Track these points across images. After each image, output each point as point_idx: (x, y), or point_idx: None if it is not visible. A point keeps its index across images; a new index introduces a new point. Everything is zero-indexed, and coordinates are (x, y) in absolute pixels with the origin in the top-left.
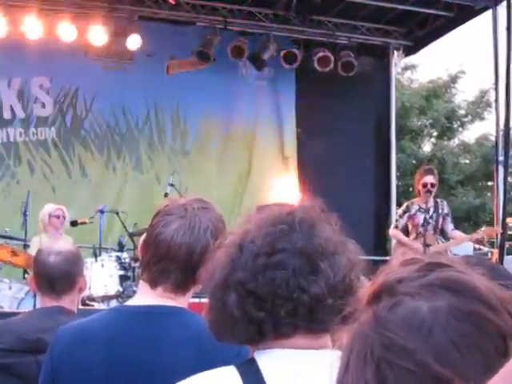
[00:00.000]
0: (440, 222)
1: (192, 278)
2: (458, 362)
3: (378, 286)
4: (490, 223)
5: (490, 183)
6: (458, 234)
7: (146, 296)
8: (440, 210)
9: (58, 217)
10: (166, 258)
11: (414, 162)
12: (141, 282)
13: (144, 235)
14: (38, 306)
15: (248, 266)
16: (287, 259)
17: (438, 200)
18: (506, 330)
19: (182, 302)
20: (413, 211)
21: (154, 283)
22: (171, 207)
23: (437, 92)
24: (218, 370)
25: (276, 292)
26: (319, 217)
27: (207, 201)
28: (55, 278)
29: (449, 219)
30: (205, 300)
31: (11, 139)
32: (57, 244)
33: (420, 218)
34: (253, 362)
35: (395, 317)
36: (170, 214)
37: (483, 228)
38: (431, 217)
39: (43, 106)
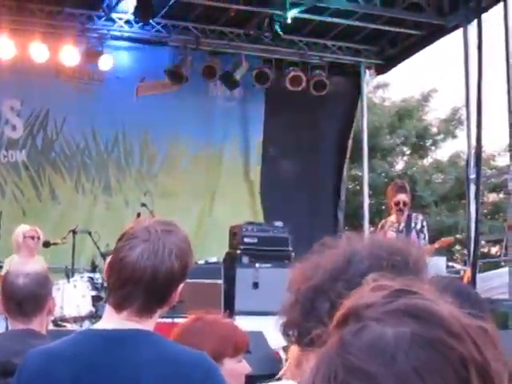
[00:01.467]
0: (412, 237)
1: (157, 301)
2: None
3: (345, 310)
4: (463, 242)
5: (463, 201)
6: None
7: (111, 319)
8: (413, 224)
9: (33, 237)
10: (130, 282)
11: (385, 180)
12: (107, 305)
13: (108, 258)
14: (10, 327)
15: (353, 281)
16: None
17: (413, 215)
18: (468, 358)
19: (148, 324)
20: (386, 227)
21: (118, 307)
22: (135, 230)
23: (409, 111)
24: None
25: None
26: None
27: (172, 223)
28: (23, 299)
29: (422, 235)
30: (177, 320)
31: None
32: (25, 266)
33: (390, 234)
34: None
35: (359, 341)
36: (134, 237)
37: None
38: (401, 231)
39: (14, 128)
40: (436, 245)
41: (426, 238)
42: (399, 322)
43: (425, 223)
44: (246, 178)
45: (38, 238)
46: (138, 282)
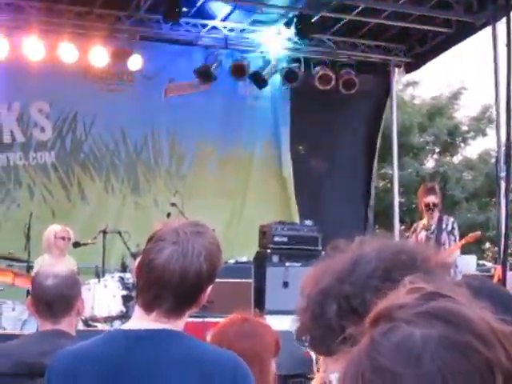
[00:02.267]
0: (443, 239)
1: (186, 302)
2: None
3: (378, 311)
4: (494, 240)
5: (494, 199)
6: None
7: (140, 320)
8: (444, 226)
9: (64, 238)
10: (158, 285)
11: (417, 178)
12: (136, 306)
13: (138, 259)
14: (39, 328)
15: (358, 283)
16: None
17: (444, 217)
18: (496, 363)
19: (177, 324)
20: (418, 230)
21: (148, 308)
22: (164, 232)
23: (439, 109)
24: None
25: None
26: (439, 262)
27: (201, 224)
28: (53, 301)
29: (452, 237)
30: (208, 319)
31: (11, 163)
32: (55, 267)
33: (421, 235)
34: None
35: (388, 341)
36: (162, 239)
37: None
38: (432, 232)
39: (42, 130)
40: (462, 241)
41: (457, 239)
42: (428, 323)
43: (455, 225)
44: (279, 176)
45: (69, 239)
46: (166, 285)
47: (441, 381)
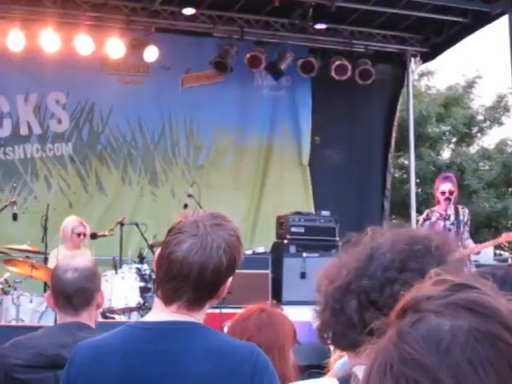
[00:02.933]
0: (461, 230)
1: (206, 295)
2: (473, 382)
3: (405, 302)
4: (511, 230)
5: (511, 189)
6: (468, 243)
7: (160, 312)
8: (461, 217)
9: (80, 235)
10: (178, 278)
11: (433, 169)
12: (155, 298)
13: (157, 251)
14: (58, 320)
15: (376, 276)
16: (416, 279)
17: (459, 207)
18: None
19: (198, 317)
20: (433, 219)
21: (167, 301)
22: (183, 224)
23: (455, 99)
24: (323, 380)
25: None
26: (454, 248)
27: (222, 215)
28: (72, 294)
29: (467, 228)
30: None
31: (28, 155)
32: (74, 260)
33: (440, 225)
34: (355, 377)
35: (416, 332)
36: (182, 231)
37: (502, 235)
38: (452, 223)
39: (59, 121)
40: (499, 240)
41: (468, 230)
42: (457, 314)
43: (469, 217)
44: (298, 164)
45: (85, 236)
46: (185, 278)
47: (471, 372)
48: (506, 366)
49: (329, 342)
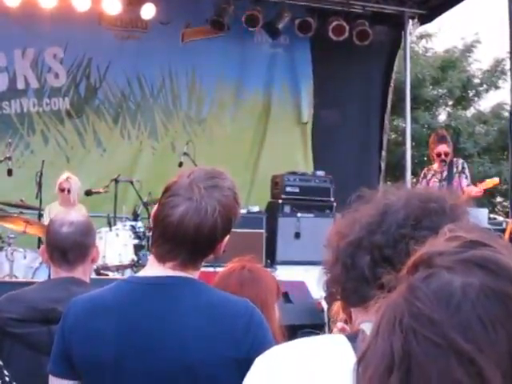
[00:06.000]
0: (455, 183)
1: (201, 254)
2: (482, 340)
3: (417, 257)
4: (505, 194)
5: (506, 153)
6: (469, 189)
7: (156, 268)
8: (455, 169)
9: (63, 190)
10: (173, 240)
11: (428, 131)
12: (150, 255)
13: (153, 209)
14: (52, 275)
15: (390, 232)
16: (430, 237)
17: (454, 160)
18: None
19: (192, 273)
20: (429, 176)
21: (162, 260)
22: (179, 186)
23: (452, 62)
24: (329, 336)
25: None
26: (467, 208)
27: (217, 173)
28: (68, 248)
29: (464, 175)
30: (219, 269)
31: (25, 110)
32: (69, 214)
33: (435, 183)
34: (364, 334)
35: (427, 287)
36: (177, 194)
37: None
38: (444, 179)
39: (56, 76)
40: (483, 185)
41: (468, 177)
42: (469, 271)
43: (465, 165)
44: (298, 122)
45: (69, 191)
46: (180, 241)
47: (480, 329)
48: None
49: (338, 297)
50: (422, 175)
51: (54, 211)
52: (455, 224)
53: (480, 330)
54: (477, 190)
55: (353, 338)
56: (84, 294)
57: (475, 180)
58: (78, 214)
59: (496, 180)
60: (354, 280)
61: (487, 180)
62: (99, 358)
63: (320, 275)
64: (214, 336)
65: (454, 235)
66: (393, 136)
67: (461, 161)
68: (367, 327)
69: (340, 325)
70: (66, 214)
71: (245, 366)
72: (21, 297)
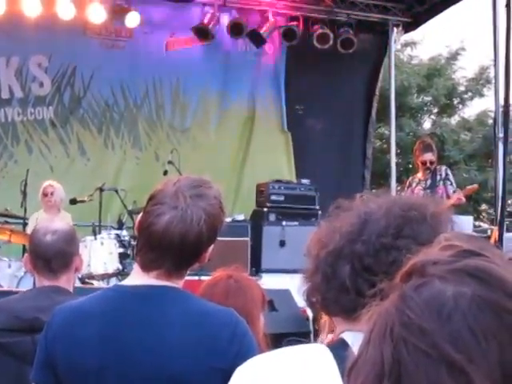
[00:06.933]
0: (440, 190)
1: (186, 263)
2: (473, 350)
3: (410, 266)
4: (490, 201)
5: (491, 160)
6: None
7: (141, 277)
8: (438, 177)
9: (46, 194)
10: (158, 249)
11: (413, 139)
12: (135, 264)
13: (138, 217)
14: (36, 284)
15: (371, 241)
16: (411, 246)
17: (437, 167)
18: None
19: (177, 282)
20: (414, 185)
21: (147, 269)
22: (164, 194)
23: (437, 70)
24: (310, 346)
25: (392, 274)
26: (448, 216)
27: (203, 181)
28: (51, 257)
29: (448, 182)
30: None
31: (9, 119)
32: (53, 223)
33: (420, 191)
34: (344, 343)
35: (419, 297)
36: (162, 202)
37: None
38: (428, 187)
39: (41, 85)
40: (461, 194)
41: (454, 184)
42: (461, 281)
43: (449, 171)
44: (281, 130)
45: (52, 194)
46: (165, 250)
47: (471, 339)
48: (508, 336)
49: (317, 306)
50: (407, 184)
51: (39, 219)
52: (450, 232)
53: (471, 341)
54: (458, 197)
55: (334, 347)
56: (67, 302)
57: (461, 187)
58: (61, 222)
59: (475, 186)
60: (335, 289)
61: (467, 187)
62: (83, 366)
63: (300, 284)
64: (199, 345)
65: (449, 244)
66: (378, 144)
67: (444, 167)
68: (348, 336)
69: (330, 337)
70: (49, 223)
71: (229, 375)
72: (4, 306)
